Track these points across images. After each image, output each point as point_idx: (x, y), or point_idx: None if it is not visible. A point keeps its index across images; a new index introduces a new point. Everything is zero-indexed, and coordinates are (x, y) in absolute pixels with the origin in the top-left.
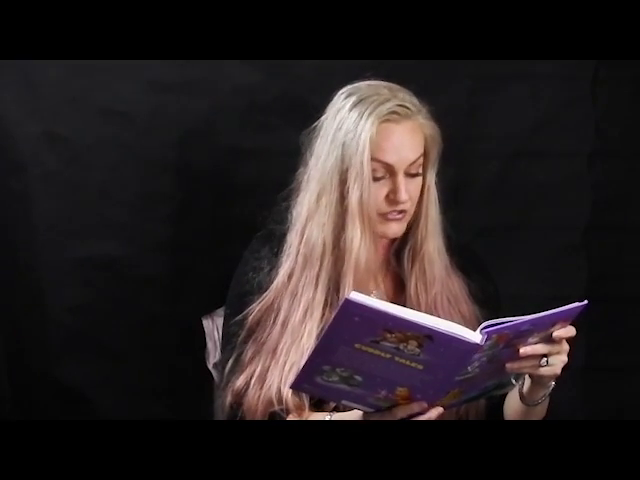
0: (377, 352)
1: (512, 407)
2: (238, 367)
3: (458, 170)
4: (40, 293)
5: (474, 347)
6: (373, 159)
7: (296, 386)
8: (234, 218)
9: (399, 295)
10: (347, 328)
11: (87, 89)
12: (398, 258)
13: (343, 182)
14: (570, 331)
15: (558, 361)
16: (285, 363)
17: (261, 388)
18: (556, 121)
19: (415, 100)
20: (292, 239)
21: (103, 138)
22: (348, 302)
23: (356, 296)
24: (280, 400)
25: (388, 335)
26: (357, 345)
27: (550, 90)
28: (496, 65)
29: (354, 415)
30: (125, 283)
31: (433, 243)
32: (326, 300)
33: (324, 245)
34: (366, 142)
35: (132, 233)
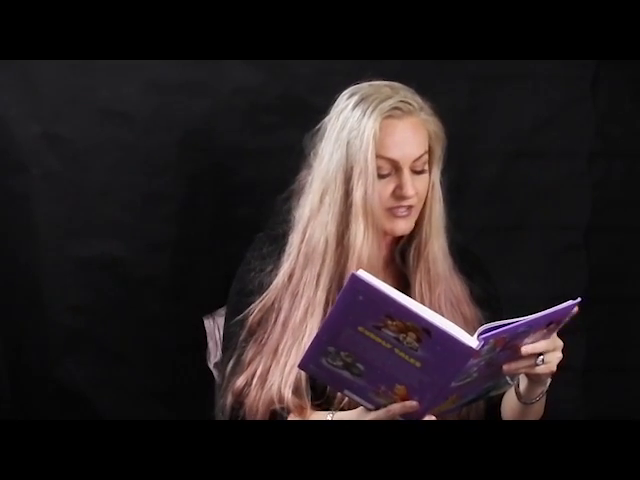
0: (379, 340)
1: (510, 406)
2: (239, 368)
3: (458, 170)
4: (40, 293)
5: (470, 351)
6: (378, 156)
7: (303, 366)
8: (235, 218)
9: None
10: (352, 307)
11: (87, 89)
12: (403, 257)
13: (347, 180)
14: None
15: (553, 358)
16: (286, 364)
17: (262, 389)
18: (556, 121)
19: (417, 97)
20: (293, 239)
21: (104, 138)
22: (354, 278)
23: (362, 273)
24: (281, 400)
25: (389, 322)
26: (360, 328)
27: (550, 90)
28: (496, 65)
29: (354, 414)
30: (126, 283)
31: (437, 242)
32: (327, 299)
33: (326, 244)
34: (370, 139)
35: (133, 233)
